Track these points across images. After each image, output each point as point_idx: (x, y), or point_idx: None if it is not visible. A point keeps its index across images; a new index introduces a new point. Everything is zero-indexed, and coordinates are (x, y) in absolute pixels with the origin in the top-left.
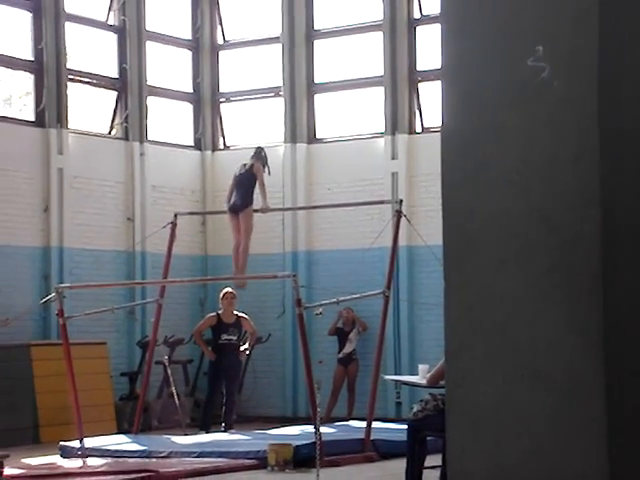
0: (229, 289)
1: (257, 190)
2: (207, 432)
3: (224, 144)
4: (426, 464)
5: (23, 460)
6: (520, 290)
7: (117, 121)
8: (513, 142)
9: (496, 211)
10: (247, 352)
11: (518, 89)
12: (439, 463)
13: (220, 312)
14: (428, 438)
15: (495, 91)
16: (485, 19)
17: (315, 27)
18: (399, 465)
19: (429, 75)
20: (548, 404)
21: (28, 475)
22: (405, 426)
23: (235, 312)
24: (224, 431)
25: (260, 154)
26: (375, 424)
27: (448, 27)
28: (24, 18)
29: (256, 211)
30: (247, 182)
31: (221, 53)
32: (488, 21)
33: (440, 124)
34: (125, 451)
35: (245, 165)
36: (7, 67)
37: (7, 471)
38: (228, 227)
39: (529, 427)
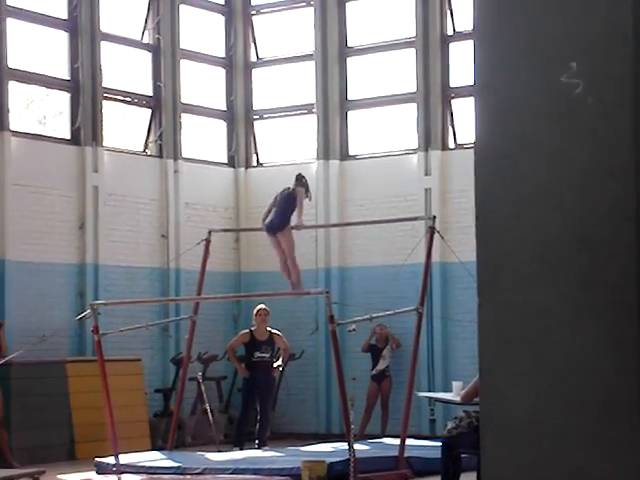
0: (262, 306)
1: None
2: (241, 449)
3: (257, 161)
4: None
5: (59, 476)
6: (555, 307)
7: (151, 139)
8: (547, 158)
9: (530, 227)
10: (280, 369)
11: (552, 105)
12: None
13: (253, 329)
14: (462, 455)
15: (529, 107)
16: (518, 35)
17: (348, 44)
18: None
19: (462, 91)
20: (583, 422)
21: None
22: (439, 443)
23: (268, 329)
24: (258, 448)
25: (301, 180)
26: (409, 441)
27: (481, 43)
28: (61, 38)
29: (291, 228)
30: (286, 203)
31: (254, 71)
32: (521, 37)
33: (473, 140)
34: (160, 467)
35: (288, 188)
36: (43, 86)
37: None
38: (261, 244)
39: (565, 445)
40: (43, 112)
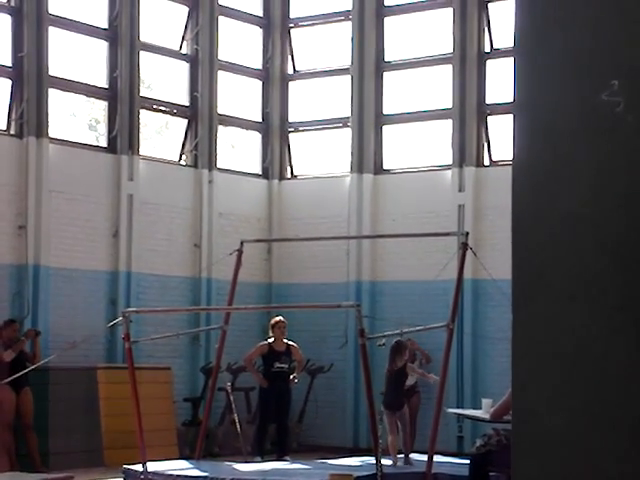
0: (281, 318)
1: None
2: (262, 457)
3: (291, 173)
4: None
5: None
6: (590, 326)
7: (187, 149)
8: (585, 176)
9: (567, 246)
10: (296, 381)
11: (591, 123)
12: None
13: (271, 341)
14: (491, 474)
15: (568, 125)
16: (559, 52)
17: (385, 59)
18: None
19: (498, 108)
20: (616, 442)
21: None
22: (467, 460)
23: (285, 340)
24: (281, 458)
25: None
26: (436, 458)
27: (521, 59)
28: (101, 47)
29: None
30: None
31: (291, 83)
32: (562, 54)
33: (511, 157)
34: (187, 477)
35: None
36: (82, 94)
37: None
38: (293, 256)
39: (597, 463)
40: (81, 120)
